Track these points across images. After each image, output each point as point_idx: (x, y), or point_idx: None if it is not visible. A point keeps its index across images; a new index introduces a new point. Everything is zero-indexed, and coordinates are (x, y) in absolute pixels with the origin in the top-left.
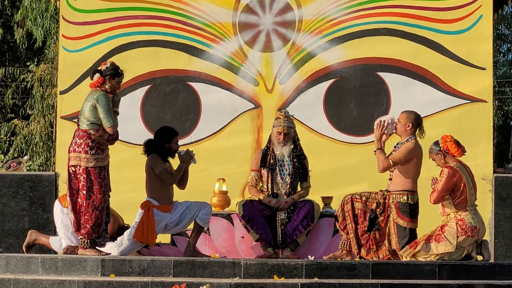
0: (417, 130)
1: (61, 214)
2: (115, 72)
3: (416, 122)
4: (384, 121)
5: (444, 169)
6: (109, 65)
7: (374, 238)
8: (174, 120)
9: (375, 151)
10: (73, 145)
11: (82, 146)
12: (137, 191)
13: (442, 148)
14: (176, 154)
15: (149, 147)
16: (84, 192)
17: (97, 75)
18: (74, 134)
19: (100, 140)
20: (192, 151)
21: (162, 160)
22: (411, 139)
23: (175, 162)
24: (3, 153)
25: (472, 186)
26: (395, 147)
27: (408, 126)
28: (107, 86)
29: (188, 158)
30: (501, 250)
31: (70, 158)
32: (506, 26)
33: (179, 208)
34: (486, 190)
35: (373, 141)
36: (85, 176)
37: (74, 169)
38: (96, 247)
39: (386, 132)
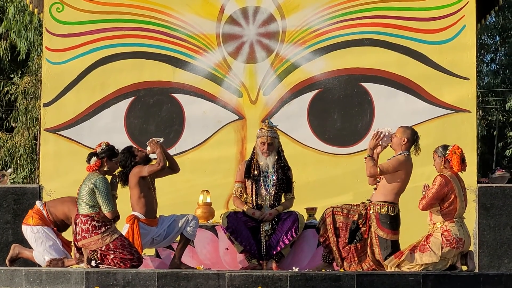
0: (413, 147)
1: (32, 233)
2: (112, 153)
3: (412, 138)
4: (381, 132)
5: (437, 178)
6: (104, 146)
7: (355, 249)
8: (158, 131)
9: (365, 158)
10: (80, 232)
11: (90, 230)
12: (121, 203)
13: (446, 155)
14: (148, 155)
15: (125, 170)
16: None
17: (94, 158)
18: (75, 222)
19: (104, 219)
20: (150, 138)
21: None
22: (404, 154)
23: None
24: None
25: (463, 199)
26: (388, 160)
27: (404, 141)
28: (105, 169)
29: (154, 145)
30: (485, 260)
31: (82, 246)
32: (489, 36)
33: (166, 221)
34: (470, 200)
35: (357, 152)
36: (111, 249)
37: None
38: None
39: (381, 143)
